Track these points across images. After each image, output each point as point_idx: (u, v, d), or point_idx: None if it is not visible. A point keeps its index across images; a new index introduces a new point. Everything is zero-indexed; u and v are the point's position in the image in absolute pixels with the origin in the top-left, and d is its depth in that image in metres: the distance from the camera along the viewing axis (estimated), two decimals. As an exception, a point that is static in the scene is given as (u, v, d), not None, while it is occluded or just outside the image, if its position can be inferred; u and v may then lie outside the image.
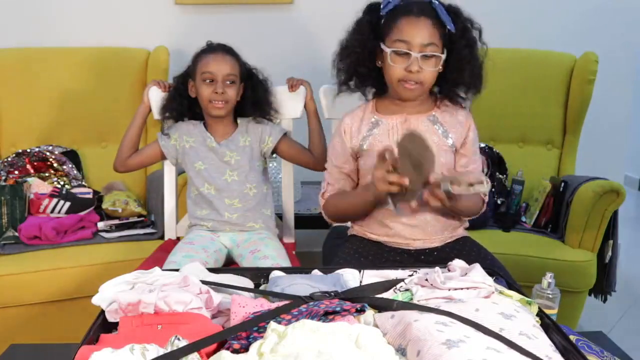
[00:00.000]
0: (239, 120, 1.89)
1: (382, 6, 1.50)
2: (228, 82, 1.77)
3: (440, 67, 1.49)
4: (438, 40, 1.46)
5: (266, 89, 1.89)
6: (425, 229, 1.55)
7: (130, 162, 1.91)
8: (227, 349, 0.89)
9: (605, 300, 2.24)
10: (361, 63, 1.53)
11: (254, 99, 1.87)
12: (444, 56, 1.47)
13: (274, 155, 1.94)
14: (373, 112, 1.59)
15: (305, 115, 1.95)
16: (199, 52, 1.83)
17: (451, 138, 1.56)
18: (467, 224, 1.66)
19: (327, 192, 1.64)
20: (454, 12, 1.49)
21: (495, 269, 1.25)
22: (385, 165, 1.34)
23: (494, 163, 2.40)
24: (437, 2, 1.47)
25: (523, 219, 2.38)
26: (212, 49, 1.82)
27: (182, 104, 1.87)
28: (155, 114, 1.92)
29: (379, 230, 1.59)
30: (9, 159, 2.32)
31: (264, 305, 1.02)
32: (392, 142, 1.52)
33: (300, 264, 1.78)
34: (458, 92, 1.57)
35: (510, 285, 1.20)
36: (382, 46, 1.48)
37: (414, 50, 1.43)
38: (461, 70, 1.50)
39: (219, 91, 1.75)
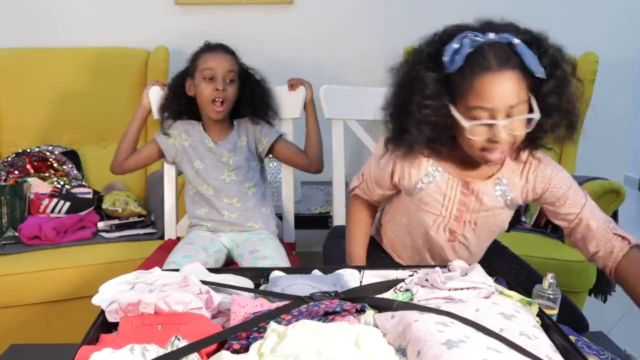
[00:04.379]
0: (235, 121, 1.89)
1: (447, 59, 1.15)
2: (228, 80, 1.77)
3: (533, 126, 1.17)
4: (526, 94, 1.15)
5: (263, 89, 1.89)
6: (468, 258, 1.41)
7: (127, 164, 1.90)
8: (227, 349, 0.89)
9: (605, 300, 2.24)
10: (438, 129, 1.21)
11: (251, 99, 1.87)
12: (537, 116, 1.16)
13: (270, 156, 1.94)
14: (431, 162, 1.33)
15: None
16: (198, 50, 1.83)
17: (509, 196, 1.33)
18: None
19: (356, 191, 1.52)
20: (536, 44, 1.16)
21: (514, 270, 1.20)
22: None
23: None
24: (520, 43, 1.14)
25: (523, 219, 2.38)
26: (212, 47, 1.82)
27: (180, 103, 1.87)
28: (155, 114, 1.92)
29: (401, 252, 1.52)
30: (9, 159, 2.32)
31: (264, 305, 1.02)
32: (449, 192, 1.33)
33: (300, 264, 1.78)
34: (541, 144, 1.26)
35: (511, 286, 1.20)
36: (454, 112, 1.17)
37: (499, 117, 1.14)
38: (547, 119, 1.18)
39: (219, 88, 1.75)
